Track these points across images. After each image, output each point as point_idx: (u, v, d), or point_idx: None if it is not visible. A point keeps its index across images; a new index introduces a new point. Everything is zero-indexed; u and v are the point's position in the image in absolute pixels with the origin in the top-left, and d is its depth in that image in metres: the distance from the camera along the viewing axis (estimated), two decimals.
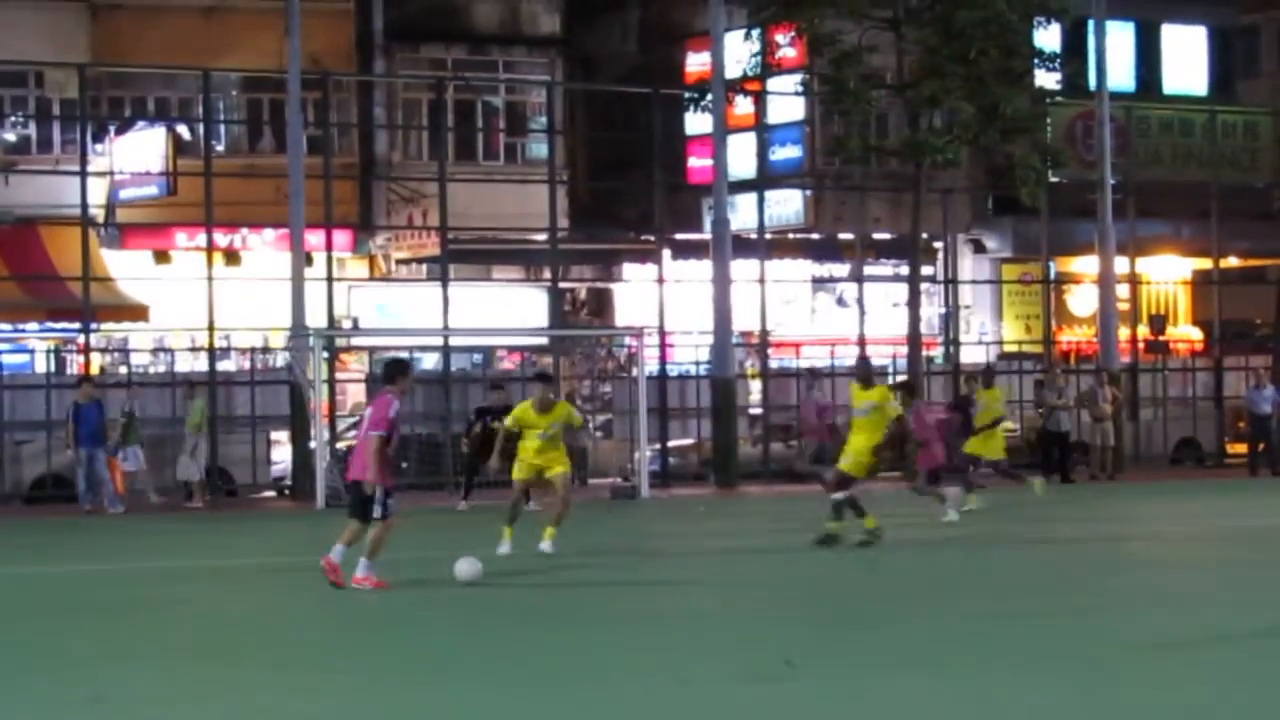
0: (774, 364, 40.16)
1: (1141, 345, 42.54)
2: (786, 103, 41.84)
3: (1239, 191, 44.53)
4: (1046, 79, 39.92)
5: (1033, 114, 38.07)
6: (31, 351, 38.61)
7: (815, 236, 45.13)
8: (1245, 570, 19.08)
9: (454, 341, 36.77)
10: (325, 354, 33.26)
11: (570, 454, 21.04)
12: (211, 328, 33.98)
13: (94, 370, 34.08)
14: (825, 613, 15.68)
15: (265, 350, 36.43)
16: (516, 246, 41.66)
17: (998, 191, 44.60)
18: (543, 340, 39.01)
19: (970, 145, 38.92)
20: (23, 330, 38.88)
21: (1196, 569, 19.88)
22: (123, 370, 36.60)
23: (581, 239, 43.66)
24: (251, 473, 33.95)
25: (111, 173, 38.06)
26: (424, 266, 41.40)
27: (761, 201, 39.11)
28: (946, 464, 26.99)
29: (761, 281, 38.28)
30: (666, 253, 39.45)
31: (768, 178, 40.86)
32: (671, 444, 36.47)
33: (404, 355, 35.78)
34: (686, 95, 39.08)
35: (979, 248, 46.91)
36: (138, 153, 38.44)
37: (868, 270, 42.35)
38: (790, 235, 44.35)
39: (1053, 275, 44.84)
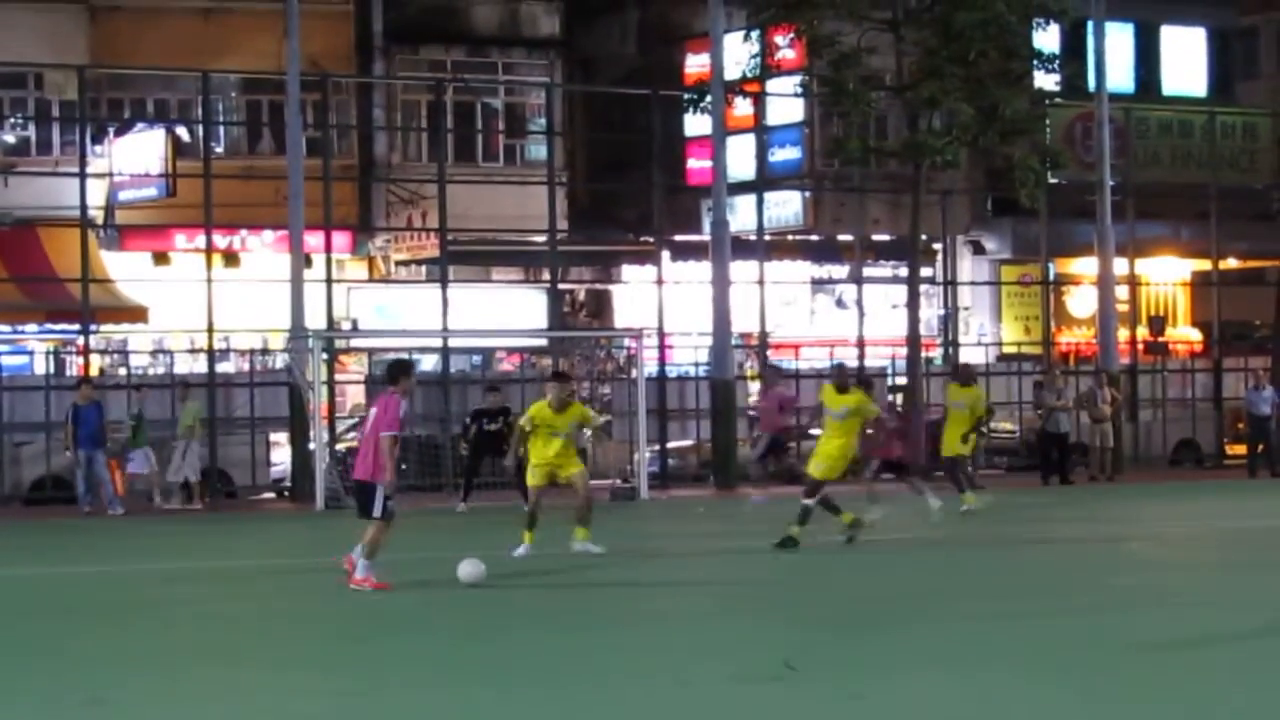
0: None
1: (1141, 346, 42.54)
2: (786, 104, 41.85)
3: (1238, 193, 44.54)
4: (1046, 80, 39.86)
5: (1032, 115, 38.03)
6: (31, 353, 38.61)
7: (814, 238, 45.14)
8: (1245, 571, 19.09)
9: (453, 343, 36.76)
10: (324, 355, 33.25)
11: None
12: (211, 329, 33.97)
13: (93, 372, 34.05)
14: (825, 613, 15.67)
15: (264, 352, 36.42)
16: (516, 248, 41.67)
17: (997, 193, 44.61)
18: (542, 342, 39.02)
19: (969, 147, 38.89)
20: (22, 332, 38.88)
21: (1196, 570, 19.89)
22: (122, 372, 36.57)
23: (581, 240, 43.67)
24: (251, 474, 33.93)
25: (111, 174, 38.07)
26: (423, 268, 41.40)
27: (761, 203, 39.11)
28: (906, 459, 26.89)
29: (761, 283, 38.28)
30: (666, 254, 39.44)
31: (767, 179, 40.87)
32: (671, 445, 36.47)
33: (404, 357, 35.87)
34: (686, 97, 39.04)
35: (978, 249, 46.93)
36: (137, 154, 38.44)
37: (867, 271, 42.35)
38: (789, 237, 44.35)
39: (1052, 276, 44.85)
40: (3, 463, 32.79)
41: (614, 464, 34.36)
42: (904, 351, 38.01)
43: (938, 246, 43.31)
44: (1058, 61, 38.73)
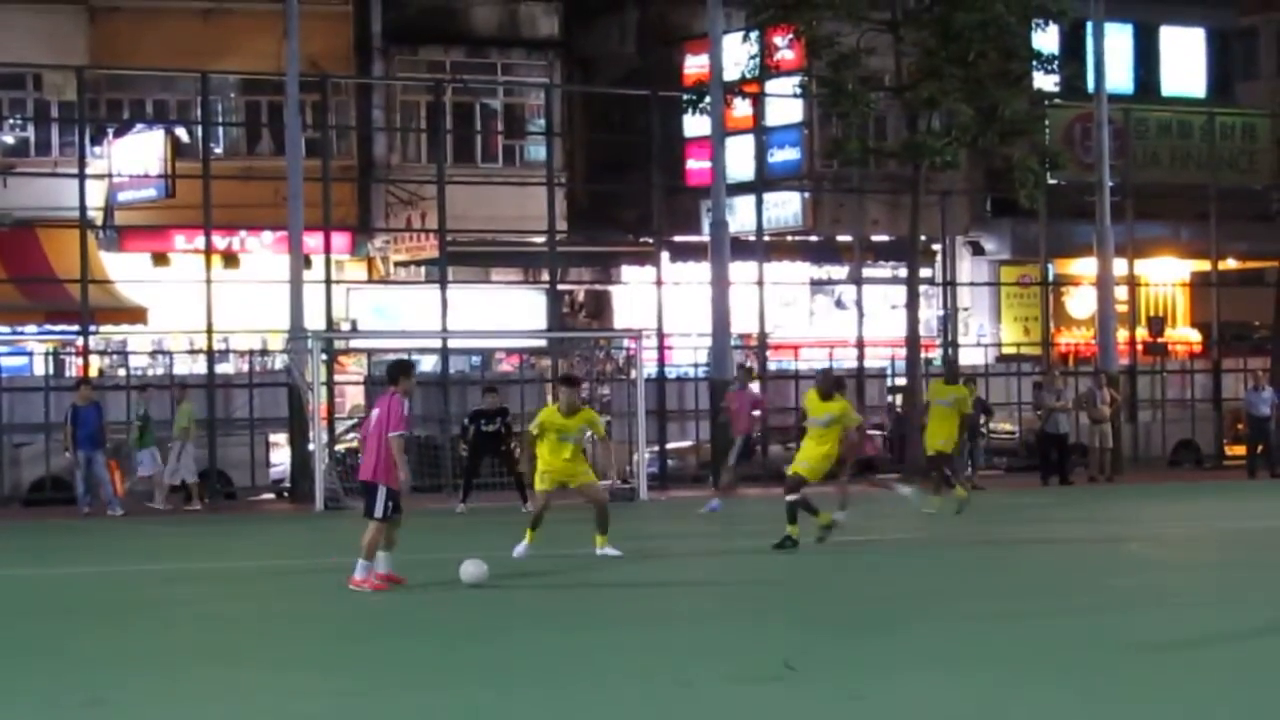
0: (772, 366, 40.15)
1: (1140, 347, 42.54)
2: (785, 105, 41.85)
3: (1237, 193, 44.54)
4: (1045, 81, 39.94)
5: (1031, 116, 38.07)
6: (30, 354, 38.60)
7: (814, 238, 45.15)
8: (1244, 571, 19.10)
9: (452, 344, 36.76)
10: (324, 356, 33.24)
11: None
12: (210, 330, 33.97)
13: (93, 373, 34.04)
14: (825, 613, 15.68)
15: (264, 353, 36.41)
16: (515, 249, 41.68)
17: (996, 193, 44.63)
18: (541, 343, 39.01)
19: (969, 147, 38.91)
20: (21, 333, 38.88)
21: (1195, 570, 19.89)
22: (121, 373, 36.56)
23: (580, 241, 43.67)
24: (250, 475, 33.92)
25: (110, 175, 38.07)
26: (422, 269, 41.40)
27: (760, 204, 39.10)
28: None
29: (760, 284, 38.28)
30: (665, 255, 39.43)
31: (766, 180, 40.86)
32: (670, 446, 36.47)
33: (404, 357, 35.86)
34: (685, 97, 39.06)
35: (977, 250, 46.93)
36: (136, 155, 38.45)
37: (866, 272, 42.34)
38: (789, 237, 44.35)
39: (1051, 277, 44.85)
40: (2, 464, 32.78)
41: (614, 464, 34.31)
42: (903, 352, 38.03)
43: (937, 247, 43.31)
44: (1057, 62, 38.78)
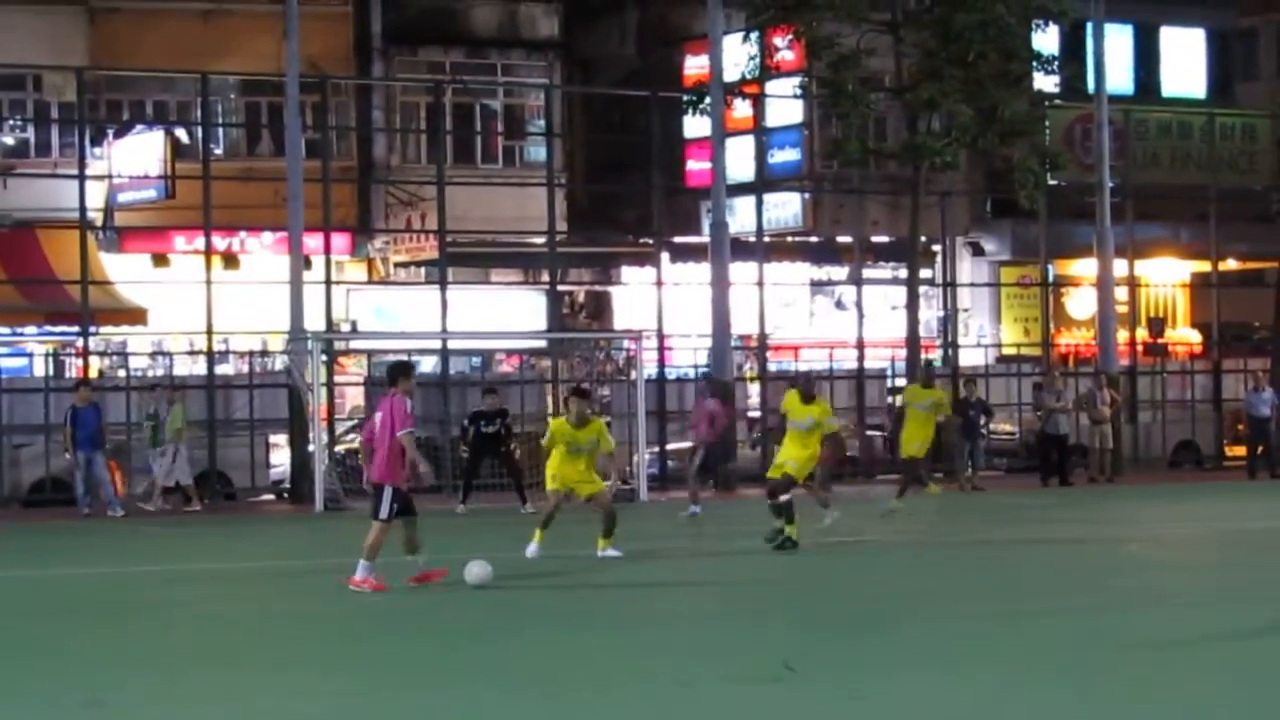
0: (773, 367, 40.14)
1: (1140, 348, 42.53)
2: (785, 106, 41.83)
3: (1237, 194, 44.52)
4: (1045, 82, 39.95)
5: (1031, 117, 38.07)
6: (30, 355, 38.57)
7: (814, 239, 45.13)
8: (1244, 572, 19.11)
9: (452, 345, 36.73)
10: (324, 357, 33.22)
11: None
12: (210, 331, 33.94)
13: (92, 374, 34.03)
14: (825, 613, 15.68)
15: (264, 353, 36.39)
16: (515, 249, 41.66)
17: (996, 194, 44.60)
18: (541, 343, 38.99)
19: (969, 148, 38.91)
20: (21, 334, 38.88)
21: (1195, 571, 19.90)
22: (121, 374, 36.55)
23: (580, 242, 43.65)
24: (250, 476, 33.91)
25: (110, 176, 38.05)
26: (422, 269, 41.38)
27: (760, 204, 39.08)
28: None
29: (760, 284, 38.26)
30: (665, 255, 39.41)
31: (766, 181, 40.82)
32: (670, 447, 36.45)
33: (404, 358, 35.85)
34: (685, 98, 39.05)
35: (977, 250, 46.92)
36: (136, 156, 38.42)
37: (866, 273, 42.32)
38: (789, 238, 44.33)
39: (1051, 278, 44.82)
40: (2, 465, 32.76)
41: (615, 466, 34.28)
42: (903, 353, 38.02)
43: (937, 248, 43.30)
44: (1057, 63, 38.79)
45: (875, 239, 43.82)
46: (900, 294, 39.94)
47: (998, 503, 30.56)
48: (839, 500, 26.38)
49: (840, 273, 45.15)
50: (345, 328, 38.34)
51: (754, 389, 38.92)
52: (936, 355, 42.04)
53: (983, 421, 34.96)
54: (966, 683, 11.62)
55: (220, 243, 37.65)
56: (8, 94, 40.02)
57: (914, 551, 21.85)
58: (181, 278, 37.13)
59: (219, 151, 39.67)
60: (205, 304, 33.76)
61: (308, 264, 34.01)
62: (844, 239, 44.02)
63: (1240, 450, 39.84)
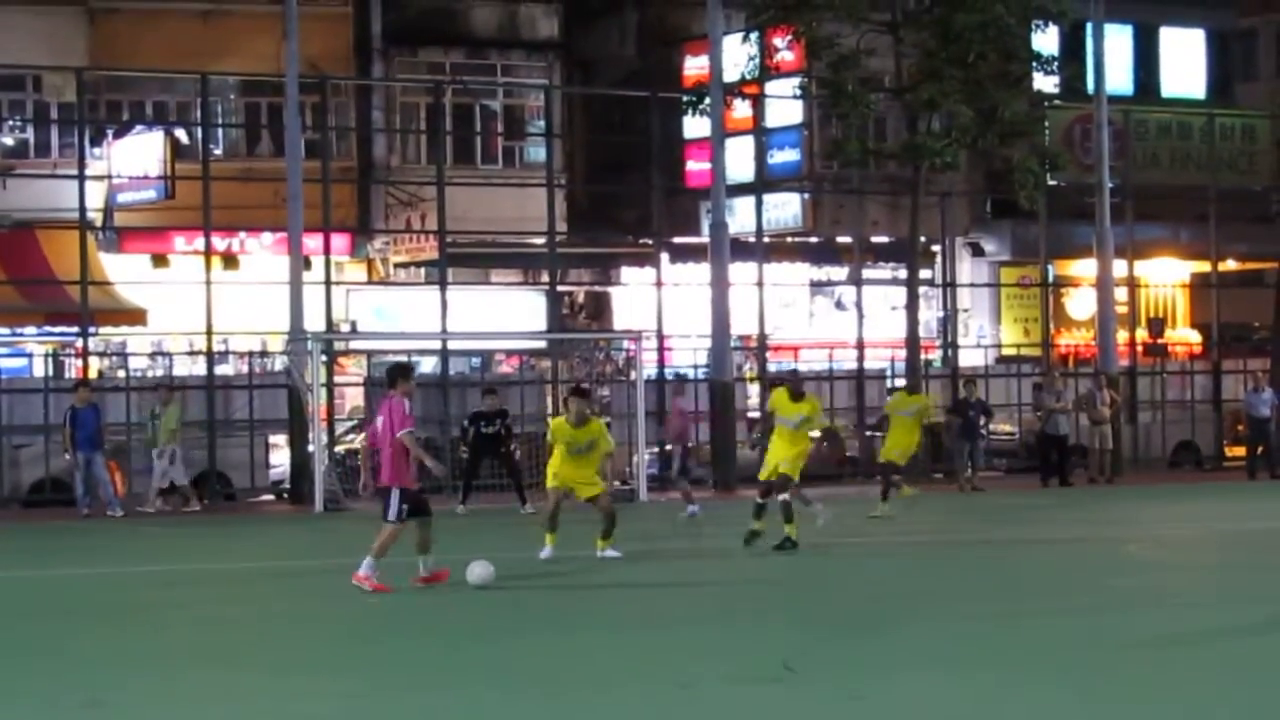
0: (772, 367, 40.14)
1: (1140, 348, 42.53)
2: (785, 106, 41.83)
3: (1237, 194, 44.52)
4: (1045, 82, 39.94)
5: (1031, 117, 38.06)
6: (30, 355, 38.58)
7: (813, 240, 45.13)
8: (1244, 572, 19.11)
9: (452, 345, 36.73)
10: (323, 358, 33.22)
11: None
12: (210, 331, 33.94)
13: (92, 374, 34.03)
14: (825, 614, 15.68)
15: (263, 354, 36.40)
16: (515, 250, 41.65)
17: (996, 195, 44.60)
18: (541, 344, 38.99)
19: (968, 149, 38.91)
20: (21, 334, 38.88)
21: (1195, 571, 19.90)
22: (121, 374, 36.55)
23: (580, 242, 43.65)
24: (250, 476, 33.91)
25: (109, 176, 38.06)
26: (422, 270, 41.38)
27: (760, 205, 39.09)
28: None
29: (760, 285, 38.26)
30: (665, 256, 39.41)
31: (766, 181, 40.83)
32: (669, 447, 36.40)
33: (403, 359, 35.84)
34: (685, 99, 39.04)
35: (977, 251, 46.92)
36: (135, 156, 38.43)
37: (866, 273, 42.31)
38: (788, 239, 44.32)
39: (1051, 278, 44.82)
40: (2, 465, 32.76)
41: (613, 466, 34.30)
42: (903, 354, 38.01)
43: (937, 248, 43.27)
44: (1057, 63, 38.78)
45: (875, 239, 43.82)
46: (900, 294, 39.94)
47: (997, 503, 30.56)
48: (832, 501, 26.47)
49: (840, 273, 45.15)
50: (345, 328, 38.33)
51: (753, 389, 38.91)
52: (936, 355, 42.07)
53: (982, 422, 34.96)
54: (966, 683, 11.62)
55: (220, 243, 37.65)
56: (7, 94, 40.01)
57: (913, 551, 21.85)
58: (181, 278, 37.13)
59: (218, 152, 39.67)
60: (205, 304, 33.76)
61: (307, 264, 34.01)
62: (844, 239, 44.02)
63: (1240, 451, 39.84)
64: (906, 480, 28.05)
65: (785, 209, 43.80)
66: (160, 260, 39.41)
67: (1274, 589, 17.25)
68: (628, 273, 43.77)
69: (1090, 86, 39.14)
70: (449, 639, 14.30)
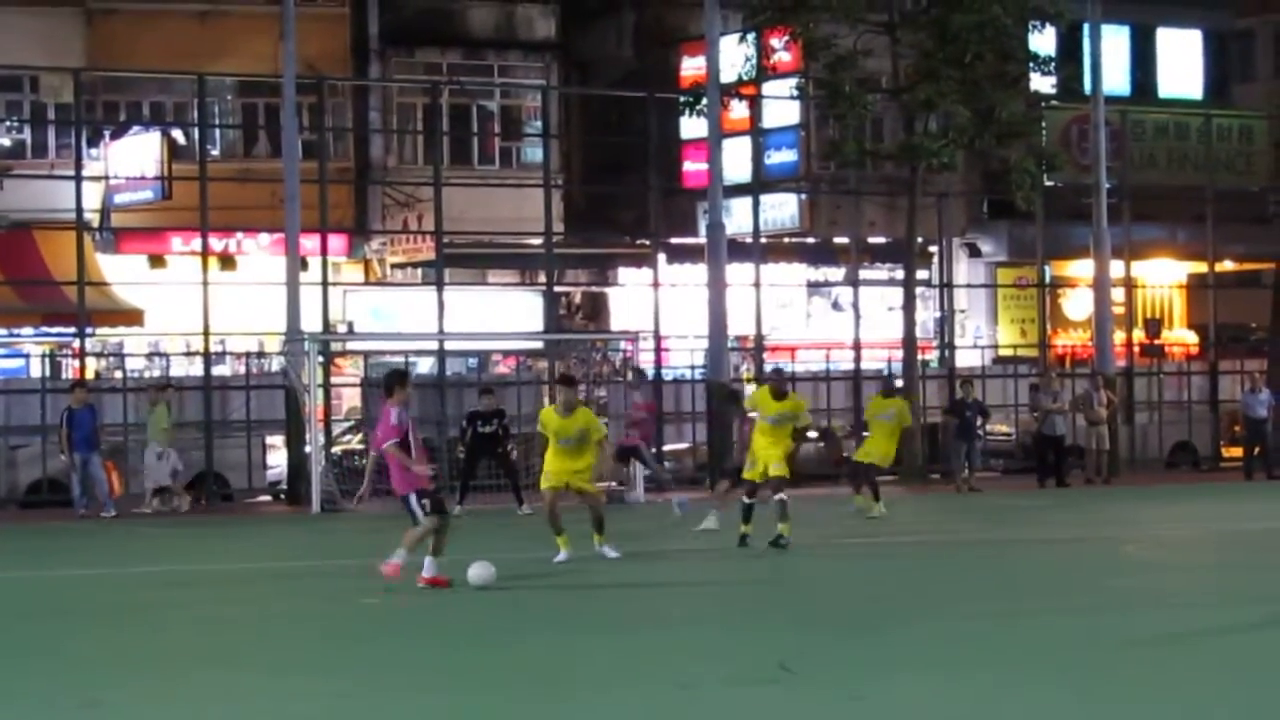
0: (769, 368, 40.10)
1: (1137, 349, 42.53)
2: (782, 107, 41.84)
3: (1234, 195, 44.52)
4: (1042, 83, 39.93)
5: (1028, 118, 38.04)
6: (26, 356, 38.57)
7: (810, 240, 45.14)
8: (1242, 572, 19.11)
9: (449, 346, 36.71)
10: (320, 358, 33.21)
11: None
12: (207, 332, 33.92)
13: (89, 375, 34.02)
14: (824, 614, 15.68)
15: (260, 355, 36.39)
16: (512, 251, 41.65)
17: (993, 195, 44.61)
18: (538, 344, 38.97)
19: (966, 149, 38.89)
20: (18, 335, 38.87)
21: (1193, 571, 19.90)
22: (118, 375, 36.53)
23: (577, 243, 43.65)
24: (247, 477, 33.89)
25: (106, 177, 38.06)
26: (419, 271, 41.37)
27: (757, 205, 39.07)
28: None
29: (757, 285, 38.25)
30: (662, 257, 39.40)
31: (763, 182, 40.81)
32: (667, 448, 36.44)
33: (400, 361, 35.86)
34: (682, 99, 38.99)
35: (974, 251, 46.94)
36: (133, 157, 38.43)
37: (863, 274, 42.27)
38: (785, 239, 44.33)
39: (1048, 279, 44.83)
40: None
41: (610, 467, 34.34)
42: (900, 354, 38.01)
43: (934, 249, 43.28)
44: (1054, 64, 38.75)
45: (872, 240, 43.82)
46: (897, 295, 39.93)
47: (994, 504, 30.55)
48: (830, 500, 26.50)
49: (837, 274, 45.16)
50: (342, 329, 38.34)
51: (751, 390, 38.87)
52: (933, 356, 42.07)
53: (979, 423, 34.92)
54: (966, 683, 11.61)
55: (217, 244, 37.62)
56: (4, 95, 40.01)
57: (911, 552, 21.85)
58: (178, 279, 37.14)
59: (216, 152, 39.66)
60: (202, 305, 33.73)
61: (304, 265, 34.00)
62: (841, 240, 44.02)
63: (1237, 451, 39.83)
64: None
65: (782, 209, 43.81)
66: (157, 261, 39.41)
67: (1272, 589, 17.25)
68: (625, 273, 43.78)
69: (1087, 87, 39.13)
70: (448, 639, 14.30)
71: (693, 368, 37.96)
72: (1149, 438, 40.74)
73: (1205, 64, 50.40)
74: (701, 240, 36.82)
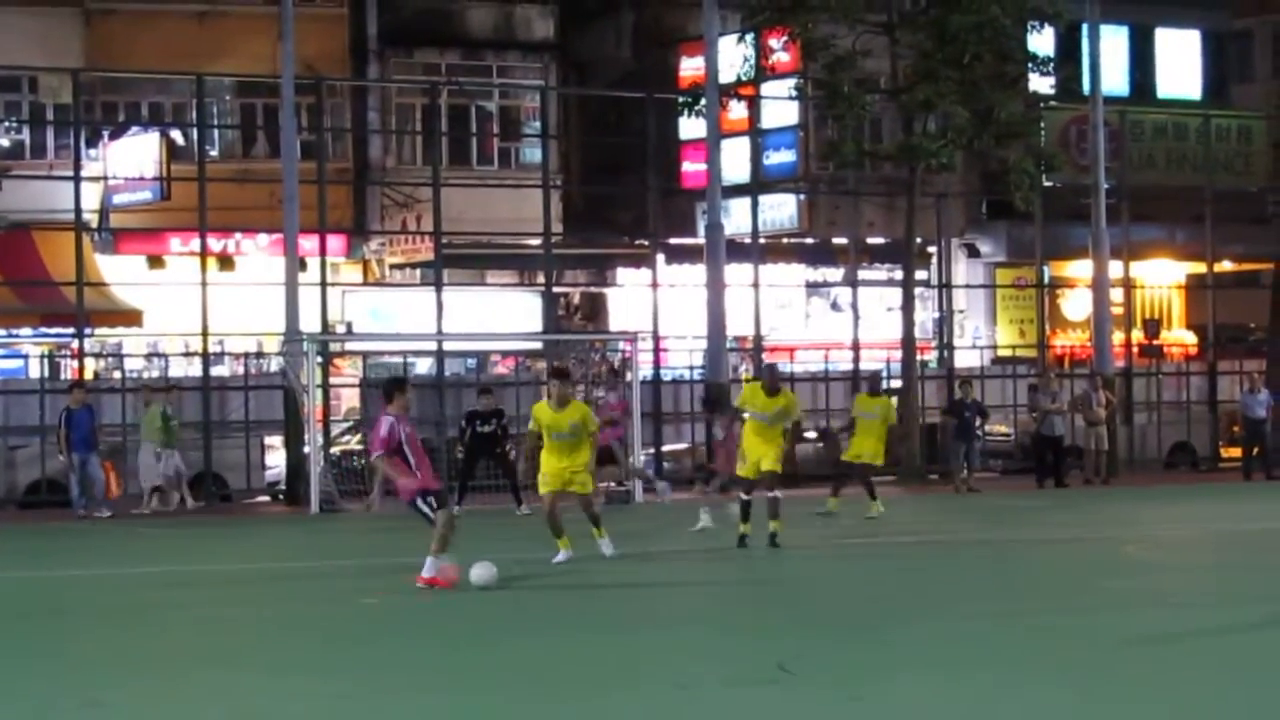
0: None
1: (1135, 349, 42.55)
2: (780, 107, 41.86)
3: (1233, 196, 44.56)
4: (1040, 83, 39.95)
5: (1027, 118, 38.06)
6: (25, 357, 38.58)
7: (809, 241, 45.14)
8: (1241, 573, 19.12)
9: (448, 346, 36.73)
10: (319, 359, 33.22)
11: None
12: (205, 333, 33.94)
13: (88, 375, 34.02)
14: (823, 614, 15.68)
15: (259, 355, 36.40)
16: (510, 251, 41.66)
17: (992, 196, 44.63)
18: (537, 345, 38.98)
19: (964, 150, 38.92)
20: (16, 335, 38.88)
21: (1191, 571, 19.90)
22: (116, 375, 36.54)
23: (575, 244, 43.66)
24: (246, 478, 33.90)
25: (105, 178, 38.08)
26: (418, 271, 41.39)
27: (755, 206, 39.09)
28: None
29: (755, 286, 38.27)
30: (660, 257, 39.44)
31: (762, 182, 40.83)
32: (665, 448, 36.46)
33: (398, 362, 35.89)
34: (680, 100, 38.99)
35: (973, 252, 46.95)
36: (131, 158, 38.44)
37: (862, 274, 42.29)
38: (784, 240, 44.34)
39: (1047, 279, 44.86)
40: None
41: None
42: (899, 354, 38.02)
43: (932, 249, 43.31)
44: (1052, 64, 38.76)
45: (871, 240, 43.83)
46: (896, 295, 39.94)
47: (993, 504, 30.56)
48: (826, 502, 26.53)
49: (836, 274, 45.18)
50: (340, 329, 38.34)
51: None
52: (932, 356, 42.08)
53: (978, 423, 34.94)
54: (965, 683, 11.61)
55: (215, 244, 37.65)
56: (3, 96, 40.03)
57: (911, 552, 21.85)
58: (177, 279, 37.15)
59: (214, 153, 39.68)
60: (200, 306, 33.75)
61: (303, 265, 34.02)
62: (839, 240, 44.04)
63: (1235, 452, 39.87)
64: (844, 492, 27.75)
65: (781, 210, 43.82)
66: (156, 261, 39.42)
67: (1270, 589, 17.25)
68: (623, 274, 43.79)
69: (1086, 87, 39.16)
70: (448, 639, 14.29)
71: (691, 368, 37.99)
72: (1148, 438, 40.77)
73: (1204, 64, 50.43)
74: (700, 241, 36.81)
